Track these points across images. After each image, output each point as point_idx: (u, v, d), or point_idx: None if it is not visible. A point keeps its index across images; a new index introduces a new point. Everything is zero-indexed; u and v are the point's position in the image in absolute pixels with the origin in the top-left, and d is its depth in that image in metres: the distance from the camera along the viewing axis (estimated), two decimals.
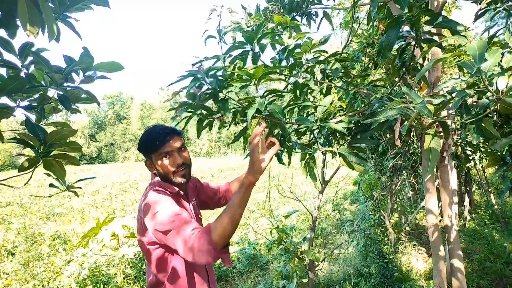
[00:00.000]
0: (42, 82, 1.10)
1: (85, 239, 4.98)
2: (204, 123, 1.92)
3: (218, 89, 1.73)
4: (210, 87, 1.76)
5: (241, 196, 1.37)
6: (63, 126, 1.24)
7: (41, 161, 1.08)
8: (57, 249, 7.62)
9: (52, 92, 1.14)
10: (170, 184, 1.64)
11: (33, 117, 1.18)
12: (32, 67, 1.08)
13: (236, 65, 1.94)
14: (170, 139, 1.60)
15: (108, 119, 60.11)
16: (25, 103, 1.09)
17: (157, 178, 1.69)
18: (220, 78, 1.85)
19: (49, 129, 1.15)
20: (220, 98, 1.93)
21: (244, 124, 2.17)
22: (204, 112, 1.85)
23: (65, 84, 1.13)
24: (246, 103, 2.04)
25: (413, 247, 5.99)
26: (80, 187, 1.33)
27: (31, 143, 1.07)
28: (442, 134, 1.57)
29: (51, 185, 1.22)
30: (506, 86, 1.05)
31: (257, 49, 1.82)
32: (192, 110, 1.77)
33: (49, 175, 1.19)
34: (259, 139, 1.42)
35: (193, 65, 1.93)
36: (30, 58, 1.07)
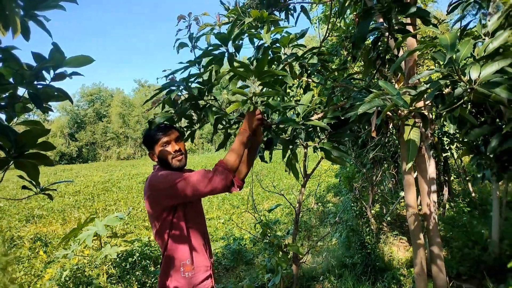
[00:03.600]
0: (11, 81, 1.05)
1: (65, 240, 4.87)
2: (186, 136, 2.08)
3: (199, 96, 1.76)
4: (190, 95, 1.80)
5: (239, 139, 1.78)
6: (36, 125, 1.20)
7: (11, 162, 1.04)
8: (38, 251, 7.44)
9: (22, 91, 1.10)
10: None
11: (3, 117, 1.14)
12: (0, 65, 1.04)
13: (212, 70, 1.94)
14: (168, 131, 1.91)
15: (88, 118, 58.73)
16: None
17: (158, 167, 1.95)
18: (199, 86, 1.87)
19: (21, 129, 1.12)
20: (201, 106, 1.96)
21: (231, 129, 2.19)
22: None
23: (35, 82, 1.09)
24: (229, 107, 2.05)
25: (395, 236, 6.12)
26: (55, 189, 1.30)
27: (1, 143, 1.03)
28: (420, 124, 1.59)
29: (24, 187, 1.18)
30: (479, 76, 1.07)
31: (232, 49, 1.81)
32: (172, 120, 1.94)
33: (22, 177, 1.15)
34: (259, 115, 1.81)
35: (166, 77, 1.96)
36: None
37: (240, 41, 1.85)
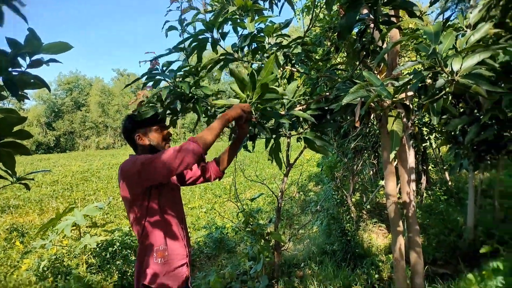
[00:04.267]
0: None
1: (43, 230, 4.78)
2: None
3: (188, 91, 1.74)
4: (178, 89, 1.77)
5: (219, 121, 1.73)
6: (11, 113, 1.15)
7: None
8: (14, 242, 7.28)
9: None
10: None
11: None
12: None
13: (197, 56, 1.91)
14: (164, 118, 1.93)
15: (65, 107, 57.09)
16: None
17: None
18: (187, 80, 1.84)
19: None
20: (187, 98, 1.92)
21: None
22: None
23: (10, 69, 1.04)
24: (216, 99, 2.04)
25: (374, 224, 6.26)
26: (32, 179, 1.26)
27: None
28: (403, 115, 1.62)
29: None
30: (460, 68, 1.09)
31: (216, 35, 1.78)
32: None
33: None
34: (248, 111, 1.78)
35: (150, 61, 1.91)
36: None
37: (225, 29, 1.82)
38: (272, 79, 1.63)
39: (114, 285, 4.32)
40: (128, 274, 4.45)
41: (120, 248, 4.95)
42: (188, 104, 1.95)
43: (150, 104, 1.86)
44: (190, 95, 1.87)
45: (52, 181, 16.20)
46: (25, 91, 1.16)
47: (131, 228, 5.56)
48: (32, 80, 1.10)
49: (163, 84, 1.88)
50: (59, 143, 53.86)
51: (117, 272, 4.44)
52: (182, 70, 1.86)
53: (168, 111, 1.95)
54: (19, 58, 1.03)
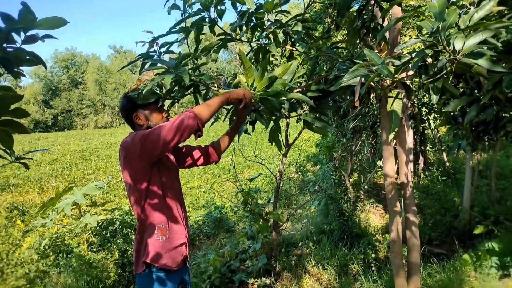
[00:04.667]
0: None
1: (43, 209, 4.82)
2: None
3: (188, 81, 1.72)
4: (184, 82, 1.75)
5: (218, 98, 1.72)
6: (7, 91, 1.14)
7: None
8: (15, 220, 7.35)
9: None
10: None
11: None
12: None
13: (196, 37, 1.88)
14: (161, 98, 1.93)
15: (62, 84, 56.49)
16: None
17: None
18: (187, 69, 1.81)
19: None
20: (187, 85, 1.89)
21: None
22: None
23: (5, 45, 1.02)
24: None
25: (371, 204, 6.33)
26: (31, 158, 1.26)
27: None
28: (403, 95, 1.60)
29: None
30: (462, 47, 1.07)
31: (214, 14, 1.75)
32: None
33: None
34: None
35: (149, 43, 1.88)
36: None
37: (223, 6, 1.78)
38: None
39: (115, 263, 4.39)
40: (129, 252, 4.51)
41: (120, 227, 5.00)
42: (187, 90, 1.94)
43: (152, 89, 1.84)
44: (190, 83, 1.86)
45: (51, 160, 16.23)
46: (21, 68, 1.14)
47: (131, 208, 5.63)
48: (27, 57, 1.08)
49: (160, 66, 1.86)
50: (57, 122, 53.63)
51: (117, 250, 4.51)
52: (183, 61, 1.83)
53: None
54: (13, 34, 1.01)
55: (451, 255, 4.01)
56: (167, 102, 2.06)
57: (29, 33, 1.03)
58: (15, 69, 1.08)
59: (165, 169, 1.90)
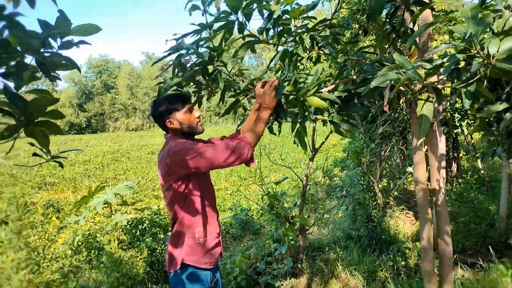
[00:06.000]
0: (18, 48, 1.04)
1: (77, 207, 5.01)
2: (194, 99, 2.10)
3: (209, 61, 1.74)
4: (200, 59, 1.77)
5: (261, 117, 1.82)
6: (44, 94, 1.19)
7: (21, 129, 1.05)
8: (50, 217, 7.66)
9: (29, 59, 1.09)
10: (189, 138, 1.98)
11: (11, 85, 1.13)
12: (6, 33, 1.02)
13: (223, 37, 1.90)
14: (190, 98, 1.98)
15: (96, 89, 58.61)
16: (1, 70, 1.04)
17: (170, 136, 1.96)
18: (210, 50, 1.84)
19: (30, 98, 1.11)
20: (210, 71, 1.93)
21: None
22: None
23: (42, 50, 1.08)
24: (239, 75, 2.03)
25: (401, 211, 6.16)
26: (66, 157, 1.31)
27: (11, 111, 1.03)
28: (434, 99, 1.56)
29: (34, 154, 1.20)
30: (497, 51, 1.03)
31: (242, 18, 1.76)
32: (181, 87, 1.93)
33: (33, 145, 1.16)
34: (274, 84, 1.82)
35: (176, 40, 1.91)
36: (2, 23, 1.00)
37: (250, 10, 1.79)
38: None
39: (144, 261, 4.50)
40: (157, 251, 4.60)
41: (149, 226, 5.12)
42: (210, 79, 1.96)
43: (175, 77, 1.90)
44: (211, 68, 1.89)
45: (84, 160, 16.83)
46: (57, 72, 1.20)
47: (159, 207, 5.75)
48: (63, 62, 1.13)
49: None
50: (90, 124, 55.59)
51: (146, 249, 4.61)
52: (205, 45, 1.87)
53: (192, 84, 1.97)
54: (50, 40, 1.06)
55: (486, 265, 3.84)
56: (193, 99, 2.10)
57: (65, 39, 1.08)
58: (52, 73, 1.14)
59: (203, 172, 1.94)
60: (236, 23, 1.80)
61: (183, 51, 1.82)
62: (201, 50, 1.92)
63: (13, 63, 1.05)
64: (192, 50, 1.81)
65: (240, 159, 1.73)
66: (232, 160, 1.72)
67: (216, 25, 1.85)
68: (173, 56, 1.88)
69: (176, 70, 1.93)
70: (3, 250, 5.67)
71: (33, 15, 1.12)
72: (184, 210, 1.86)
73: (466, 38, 1.04)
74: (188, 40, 1.92)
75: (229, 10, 1.72)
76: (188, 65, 1.91)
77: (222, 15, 1.76)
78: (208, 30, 1.87)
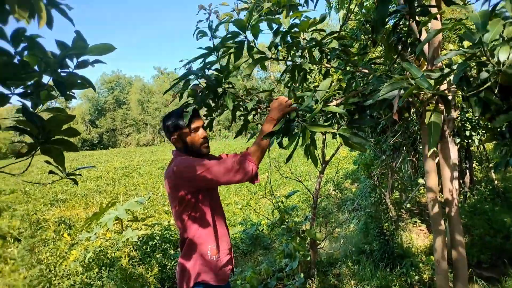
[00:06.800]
0: (36, 68, 1.08)
1: (88, 223, 5.03)
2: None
3: (217, 84, 1.77)
4: (209, 83, 1.81)
5: (264, 129, 1.80)
6: (60, 112, 1.23)
7: (39, 147, 1.08)
8: (62, 234, 7.71)
9: (47, 79, 1.12)
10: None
11: (29, 104, 1.17)
12: (25, 54, 1.06)
13: (229, 57, 1.94)
14: (198, 117, 1.95)
15: (108, 105, 59.62)
16: (19, 90, 1.08)
17: (178, 152, 1.98)
18: (217, 73, 1.88)
19: (46, 116, 1.14)
20: (219, 93, 1.96)
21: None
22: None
23: (59, 70, 1.11)
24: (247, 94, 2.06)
25: (414, 224, 6.05)
26: (80, 174, 1.33)
27: (29, 130, 1.06)
28: (443, 108, 1.55)
29: (50, 172, 1.22)
30: (508, 58, 1.03)
31: (250, 36, 1.80)
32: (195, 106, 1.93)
33: (49, 162, 1.19)
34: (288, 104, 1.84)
35: (184, 66, 1.96)
36: (23, 45, 1.05)
37: (258, 27, 1.82)
38: None
39: (154, 277, 4.48)
40: (168, 267, 4.59)
41: (160, 242, 5.12)
42: (220, 101, 1.99)
43: (187, 102, 1.93)
44: (219, 89, 1.92)
45: (96, 176, 16.99)
46: (72, 91, 1.23)
47: (170, 223, 5.76)
48: (79, 81, 1.17)
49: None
50: (102, 140, 56.38)
51: (157, 265, 4.61)
52: (213, 68, 1.91)
53: (203, 107, 2.00)
54: (67, 59, 1.09)
55: (503, 279, 3.74)
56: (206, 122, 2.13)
57: (81, 58, 1.12)
58: (68, 92, 1.17)
59: (212, 188, 1.97)
60: (246, 43, 1.84)
61: (191, 77, 1.87)
62: (209, 72, 1.96)
63: (31, 82, 1.08)
64: (199, 75, 1.85)
65: (245, 177, 1.73)
66: (237, 179, 1.73)
67: (225, 44, 1.89)
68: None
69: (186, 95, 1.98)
70: (16, 267, 5.73)
71: (50, 36, 1.16)
72: (195, 226, 1.85)
73: (475, 44, 1.04)
74: (198, 65, 1.97)
75: (237, 30, 1.76)
76: (199, 91, 1.95)
77: (229, 36, 1.80)
78: (215, 53, 1.91)
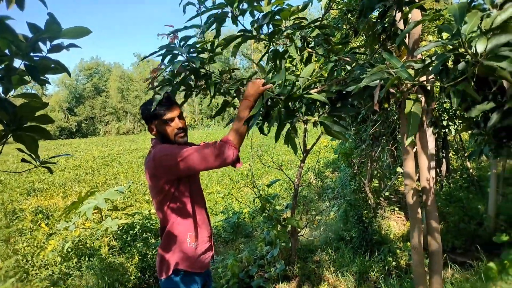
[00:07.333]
0: (7, 52, 1.03)
1: (66, 213, 4.94)
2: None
3: (201, 67, 1.74)
4: (191, 63, 1.76)
5: (241, 112, 1.77)
6: (34, 98, 1.18)
7: (10, 134, 1.04)
8: (39, 224, 7.55)
9: (18, 63, 1.07)
10: None
11: None
12: None
13: (215, 42, 1.90)
14: (172, 108, 1.87)
15: (86, 92, 58.03)
16: None
17: (156, 141, 1.96)
18: (201, 56, 1.83)
19: (19, 102, 1.10)
20: (202, 74, 1.92)
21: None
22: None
23: (32, 53, 1.06)
24: (228, 77, 2.03)
25: (392, 211, 6.20)
26: (55, 163, 1.30)
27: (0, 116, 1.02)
28: (423, 99, 1.58)
29: (23, 160, 1.18)
30: (485, 49, 1.05)
31: (236, 11, 1.77)
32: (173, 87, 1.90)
33: (21, 150, 1.15)
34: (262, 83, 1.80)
35: (168, 35, 1.89)
36: None
37: (244, 5, 1.79)
38: None
39: (135, 266, 4.45)
40: (149, 256, 4.56)
41: (140, 231, 5.08)
42: (201, 80, 1.96)
43: (165, 80, 1.89)
44: (203, 71, 1.89)
45: (74, 165, 16.63)
46: (46, 76, 1.19)
47: (150, 212, 5.71)
48: (52, 65, 1.12)
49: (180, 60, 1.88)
50: (80, 128, 55.03)
51: (137, 254, 4.57)
52: (197, 46, 1.87)
53: (182, 87, 1.96)
54: (39, 43, 1.05)
55: (476, 264, 3.89)
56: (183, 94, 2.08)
57: (55, 42, 1.07)
58: (41, 77, 1.13)
59: (193, 176, 1.95)
60: (230, 14, 1.81)
61: (176, 54, 1.81)
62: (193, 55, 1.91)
63: (1, 66, 1.04)
64: (184, 54, 1.80)
65: (226, 162, 1.72)
66: (218, 163, 1.71)
67: (208, 14, 1.84)
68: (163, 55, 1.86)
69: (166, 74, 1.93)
70: None
71: (21, 18, 1.11)
72: (174, 214, 1.84)
73: (453, 35, 1.05)
74: (182, 34, 1.91)
75: (224, 2, 1.73)
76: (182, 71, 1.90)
77: (217, 6, 1.77)
78: (201, 28, 1.87)
